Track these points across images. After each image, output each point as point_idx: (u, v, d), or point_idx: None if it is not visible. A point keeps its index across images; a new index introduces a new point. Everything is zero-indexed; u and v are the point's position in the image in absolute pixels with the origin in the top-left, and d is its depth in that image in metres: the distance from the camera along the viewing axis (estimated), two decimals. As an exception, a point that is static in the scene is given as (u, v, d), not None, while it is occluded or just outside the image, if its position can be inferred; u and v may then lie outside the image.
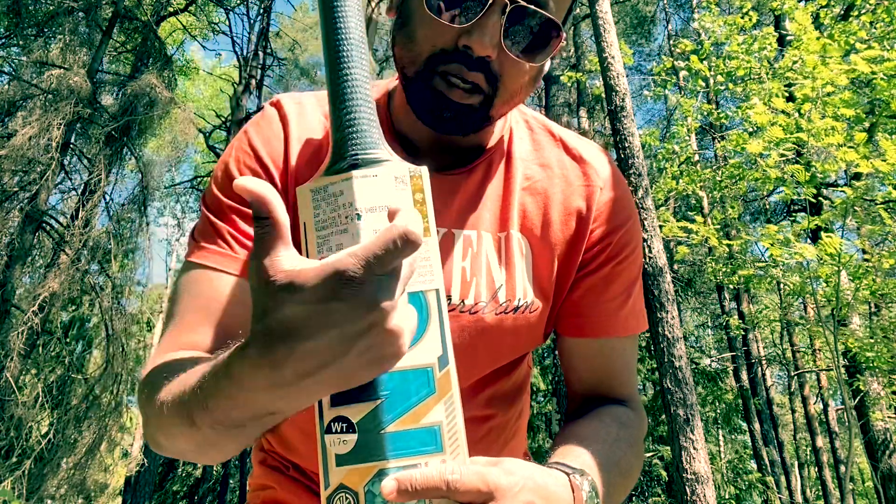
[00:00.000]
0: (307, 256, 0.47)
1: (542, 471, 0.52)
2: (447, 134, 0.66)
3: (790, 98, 4.81)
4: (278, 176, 0.69)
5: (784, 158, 4.51)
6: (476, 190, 0.72)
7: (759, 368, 12.99)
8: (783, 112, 4.30)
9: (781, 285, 6.64)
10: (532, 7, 0.60)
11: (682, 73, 9.03)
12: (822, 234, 4.00)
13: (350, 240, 0.46)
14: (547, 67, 0.70)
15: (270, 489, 0.78)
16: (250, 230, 0.66)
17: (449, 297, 0.66)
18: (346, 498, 0.45)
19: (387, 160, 0.49)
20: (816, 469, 14.12)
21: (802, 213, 8.33)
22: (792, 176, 4.33)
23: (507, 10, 0.58)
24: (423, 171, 0.51)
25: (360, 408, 0.45)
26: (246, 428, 0.47)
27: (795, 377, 14.21)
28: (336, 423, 0.45)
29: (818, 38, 4.28)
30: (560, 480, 0.53)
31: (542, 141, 0.77)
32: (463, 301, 0.67)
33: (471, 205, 0.71)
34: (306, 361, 0.39)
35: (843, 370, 5.17)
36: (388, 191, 0.48)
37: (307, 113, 0.73)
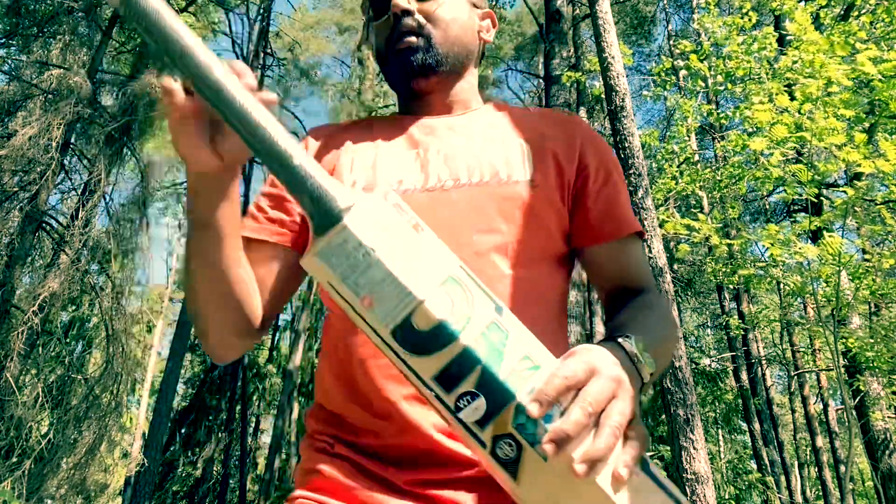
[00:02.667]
0: (348, 308, 0.56)
1: (601, 344, 0.63)
2: (413, 74, 0.86)
3: (791, 98, 4.80)
4: None
5: (785, 158, 4.51)
6: (473, 121, 0.91)
7: (759, 368, 12.99)
8: (786, 110, 4.30)
9: (781, 285, 6.64)
10: None
11: (682, 73, 9.04)
12: (824, 233, 4.00)
13: (379, 271, 0.53)
14: (462, 6, 0.92)
15: (315, 474, 0.77)
16: (272, 212, 0.85)
17: (461, 181, 0.82)
18: (507, 443, 0.52)
19: (357, 197, 0.56)
20: (816, 469, 14.11)
21: (802, 213, 8.33)
22: (793, 176, 4.33)
23: None
24: (391, 193, 0.59)
25: (471, 378, 0.53)
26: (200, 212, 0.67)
27: (795, 377, 14.21)
28: (461, 400, 0.53)
29: (824, 37, 4.27)
30: (614, 346, 0.63)
31: (520, 108, 1.00)
32: (470, 179, 0.82)
33: (472, 130, 0.89)
34: None
35: (843, 370, 5.17)
36: (378, 218, 0.56)
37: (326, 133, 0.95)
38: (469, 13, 0.92)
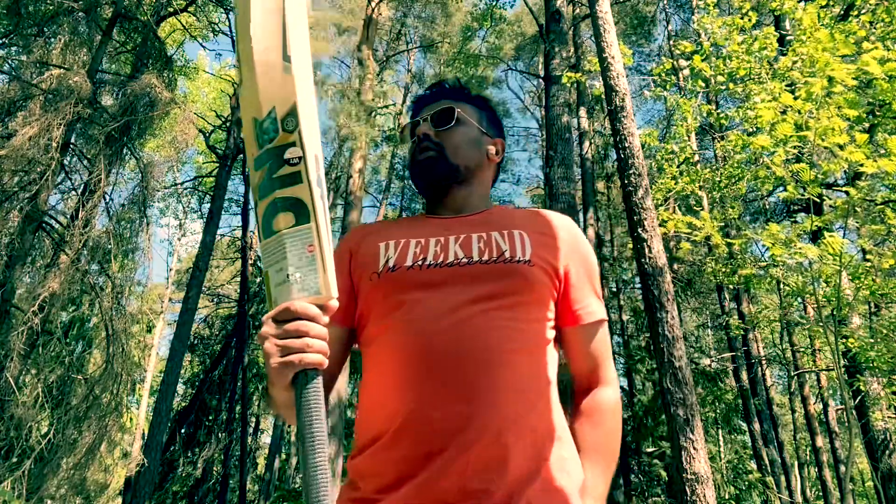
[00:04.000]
0: None
1: None
2: (433, 181, 1.16)
3: (794, 97, 4.79)
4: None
5: (787, 158, 4.50)
6: (483, 219, 1.14)
7: (759, 368, 12.98)
8: (789, 108, 4.28)
9: (781, 285, 6.64)
10: (437, 112, 1.18)
11: (683, 73, 9.03)
12: (825, 233, 3.98)
13: None
14: (472, 133, 1.21)
15: None
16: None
17: (473, 259, 1.04)
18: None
19: None
20: (816, 469, 14.12)
21: (802, 214, 8.32)
22: (794, 175, 4.32)
23: (428, 118, 1.19)
24: None
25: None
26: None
27: (795, 377, 14.21)
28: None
29: (830, 36, 4.26)
30: None
31: (521, 210, 1.25)
32: (481, 258, 1.03)
33: (483, 225, 1.12)
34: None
35: (843, 370, 5.17)
36: None
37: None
38: (478, 138, 1.21)
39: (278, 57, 0.85)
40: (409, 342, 0.96)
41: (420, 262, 1.03)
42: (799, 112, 4.08)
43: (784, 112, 4.32)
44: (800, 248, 3.99)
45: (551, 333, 1.06)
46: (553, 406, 0.99)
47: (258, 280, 17.72)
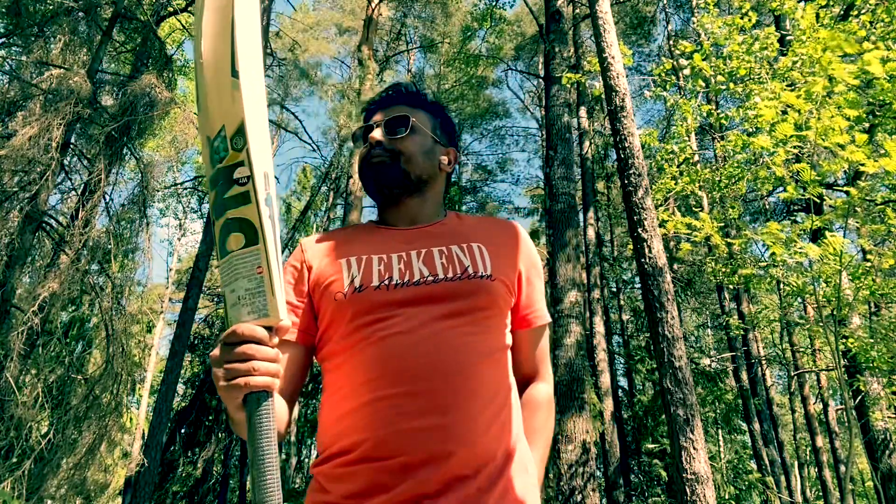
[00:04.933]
0: None
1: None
2: (385, 186, 1.16)
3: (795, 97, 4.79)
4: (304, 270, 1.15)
5: (787, 157, 4.50)
6: (440, 230, 1.17)
7: (759, 368, 12.98)
8: (790, 107, 4.28)
9: (781, 285, 6.64)
10: (391, 118, 1.17)
11: (683, 73, 9.02)
12: (827, 233, 3.98)
13: None
14: (426, 142, 1.20)
15: None
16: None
17: (438, 277, 1.07)
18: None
19: None
20: (816, 469, 14.12)
21: (802, 213, 8.32)
22: (794, 175, 4.32)
23: (381, 124, 1.18)
24: None
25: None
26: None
27: (795, 377, 14.21)
28: None
29: (832, 34, 4.25)
30: None
31: (473, 217, 1.27)
32: (446, 276, 1.06)
33: (440, 237, 1.15)
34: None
35: (843, 370, 5.17)
36: None
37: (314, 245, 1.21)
38: (432, 147, 1.21)
39: (227, 73, 0.84)
40: (382, 358, 0.98)
41: (387, 282, 1.05)
42: (799, 112, 4.08)
43: (784, 112, 4.32)
44: (800, 248, 3.98)
45: (509, 339, 1.12)
46: (515, 410, 1.06)
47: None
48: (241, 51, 0.85)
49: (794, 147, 4.29)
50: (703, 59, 6.02)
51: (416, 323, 1.00)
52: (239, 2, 0.86)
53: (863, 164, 3.69)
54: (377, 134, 1.16)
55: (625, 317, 16.19)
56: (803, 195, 4.29)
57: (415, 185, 1.17)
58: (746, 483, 12.13)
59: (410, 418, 0.94)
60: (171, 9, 10.44)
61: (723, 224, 7.53)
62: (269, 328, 0.82)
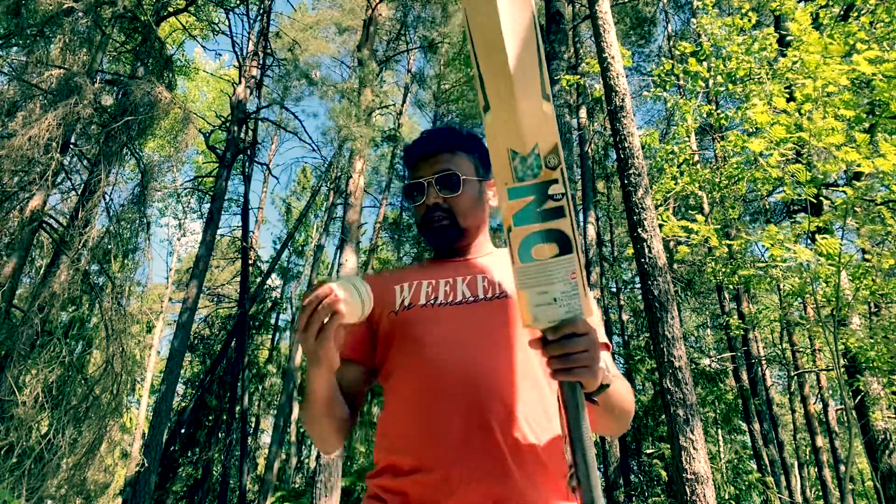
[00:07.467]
0: None
1: None
2: (445, 245, 1.26)
3: (790, 98, 4.79)
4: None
5: (784, 158, 4.51)
6: (486, 262, 1.26)
7: (759, 368, 12.98)
8: (784, 112, 4.29)
9: (781, 285, 6.64)
10: (441, 175, 1.23)
11: (682, 74, 9.02)
12: (818, 236, 3.99)
13: None
14: (475, 192, 1.27)
15: None
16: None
17: (479, 297, 1.17)
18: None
19: None
20: (816, 469, 14.11)
21: (802, 214, 8.32)
22: (792, 176, 4.32)
23: (433, 182, 1.23)
24: None
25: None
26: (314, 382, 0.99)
27: (795, 377, 14.21)
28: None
29: (819, 38, 4.27)
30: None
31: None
32: (485, 296, 1.16)
33: (485, 269, 1.24)
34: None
35: (843, 370, 5.17)
36: None
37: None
38: (480, 191, 1.28)
39: (538, 95, 0.89)
40: (426, 375, 1.06)
41: (432, 301, 1.15)
42: (790, 113, 4.09)
43: (780, 113, 4.32)
44: (794, 252, 3.99)
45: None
46: (555, 430, 1.08)
47: (258, 280, 17.72)
48: (545, 72, 0.89)
49: (790, 149, 4.29)
50: (703, 61, 6.02)
51: (456, 339, 1.08)
52: (532, 19, 0.88)
53: (858, 165, 3.70)
54: (432, 196, 1.23)
55: (625, 317, 16.19)
56: (800, 196, 4.30)
57: (471, 233, 1.27)
58: (746, 483, 12.13)
59: (452, 434, 1.00)
60: (171, 9, 10.44)
61: (723, 224, 7.53)
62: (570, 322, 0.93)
